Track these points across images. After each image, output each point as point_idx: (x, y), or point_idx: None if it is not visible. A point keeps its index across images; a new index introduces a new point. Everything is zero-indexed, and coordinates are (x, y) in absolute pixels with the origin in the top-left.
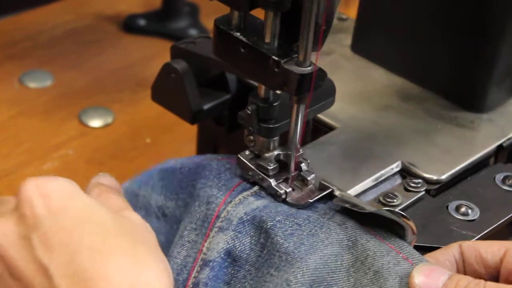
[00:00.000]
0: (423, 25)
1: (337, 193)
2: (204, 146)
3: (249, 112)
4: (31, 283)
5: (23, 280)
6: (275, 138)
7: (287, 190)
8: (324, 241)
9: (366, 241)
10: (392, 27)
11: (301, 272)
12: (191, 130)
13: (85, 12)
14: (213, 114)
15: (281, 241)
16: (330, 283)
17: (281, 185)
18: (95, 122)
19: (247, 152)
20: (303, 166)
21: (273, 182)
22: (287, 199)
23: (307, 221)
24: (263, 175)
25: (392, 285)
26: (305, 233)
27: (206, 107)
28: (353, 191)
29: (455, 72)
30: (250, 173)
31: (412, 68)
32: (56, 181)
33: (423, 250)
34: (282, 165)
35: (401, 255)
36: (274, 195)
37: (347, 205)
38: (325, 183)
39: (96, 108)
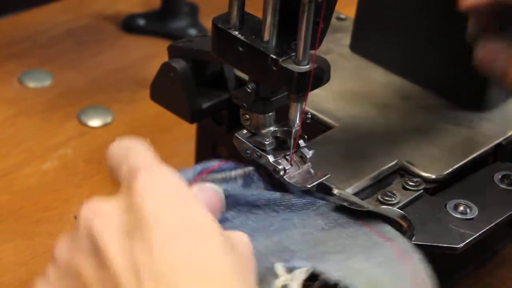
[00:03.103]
0: (422, 24)
1: (335, 191)
2: (203, 145)
3: (249, 90)
4: (117, 275)
5: (109, 267)
6: (270, 114)
7: (286, 168)
8: (296, 225)
9: (346, 222)
10: (391, 27)
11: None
12: (190, 130)
13: (85, 12)
14: (212, 113)
15: (251, 222)
16: (294, 250)
17: (279, 161)
18: (95, 122)
19: (244, 131)
20: (301, 142)
21: (271, 158)
22: (285, 177)
23: (286, 208)
24: (260, 151)
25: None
26: (279, 218)
27: (205, 106)
28: (351, 190)
29: (454, 72)
30: (248, 151)
31: (411, 67)
32: (170, 180)
33: (422, 249)
34: (280, 143)
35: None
36: (273, 172)
37: (345, 203)
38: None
39: (95, 108)
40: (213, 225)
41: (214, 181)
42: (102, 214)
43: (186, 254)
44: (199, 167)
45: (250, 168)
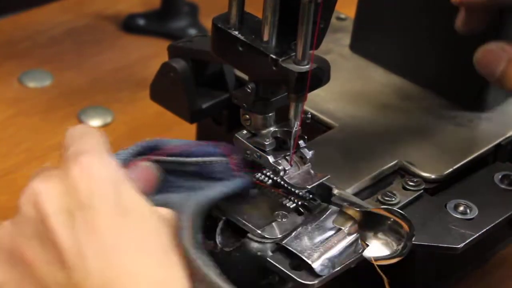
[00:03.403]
0: (421, 24)
1: (335, 192)
2: None
3: (249, 90)
4: (63, 253)
5: (55, 246)
6: (270, 114)
7: (286, 168)
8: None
9: None
10: (390, 27)
11: None
12: (190, 130)
13: (85, 11)
14: (212, 113)
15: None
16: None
17: (279, 162)
18: (95, 122)
19: (244, 132)
20: (301, 142)
21: (271, 158)
22: (284, 177)
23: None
24: (260, 152)
25: None
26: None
27: (204, 106)
28: (351, 190)
29: (454, 71)
30: (248, 151)
31: (410, 67)
32: (107, 165)
33: (422, 249)
34: (280, 144)
35: None
36: (273, 172)
37: (345, 204)
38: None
39: (95, 108)
40: (146, 207)
41: (164, 163)
42: (44, 196)
43: (125, 233)
44: (153, 143)
45: (215, 158)
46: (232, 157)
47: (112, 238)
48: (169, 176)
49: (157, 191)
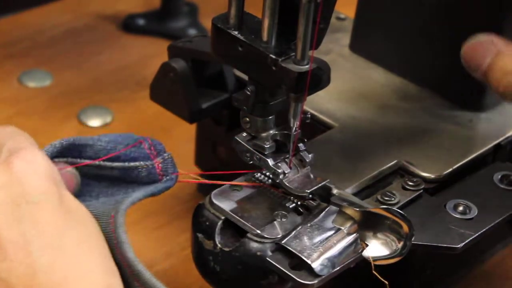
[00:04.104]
0: (421, 24)
1: (335, 191)
2: (203, 145)
3: (248, 93)
4: (5, 244)
5: None
6: (270, 117)
7: (286, 171)
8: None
9: None
10: (390, 27)
11: None
12: (190, 130)
13: (84, 11)
14: (212, 113)
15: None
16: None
17: (279, 165)
18: (94, 122)
19: (244, 134)
20: (301, 145)
21: (270, 161)
22: (284, 181)
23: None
24: (260, 155)
25: None
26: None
27: (204, 106)
28: (351, 190)
29: (454, 71)
30: (247, 154)
31: (410, 67)
32: (47, 163)
33: (421, 248)
34: (280, 146)
35: None
36: (272, 175)
37: (344, 204)
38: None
39: (95, 108)
40: (85, 209)
41: (86, 166)
42: None
43: (69, 233)
44: (76, 142)
45: (141, 163)
46: (157, 161)
47: (57, 236)
48: (90, 181)
49: (75, 196)
